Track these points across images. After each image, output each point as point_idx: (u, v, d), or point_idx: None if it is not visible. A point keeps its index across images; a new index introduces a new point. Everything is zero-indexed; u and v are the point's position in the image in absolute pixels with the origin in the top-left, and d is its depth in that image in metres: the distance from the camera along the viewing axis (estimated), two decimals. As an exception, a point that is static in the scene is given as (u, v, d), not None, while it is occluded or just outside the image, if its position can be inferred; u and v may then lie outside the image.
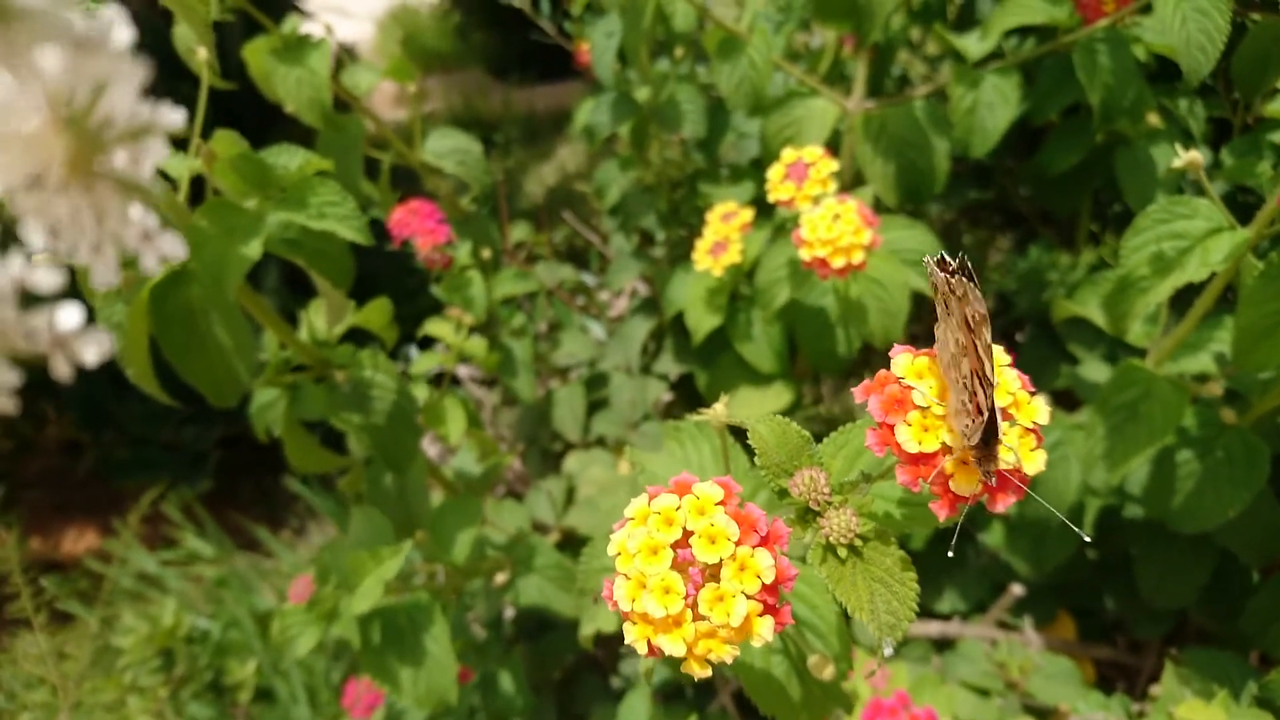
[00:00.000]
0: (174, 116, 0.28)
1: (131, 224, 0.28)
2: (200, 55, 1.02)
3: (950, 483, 0.48)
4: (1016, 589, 1.36)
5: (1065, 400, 1.57)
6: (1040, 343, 1.68)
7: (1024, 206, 1.95)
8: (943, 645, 1.43)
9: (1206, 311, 1.12)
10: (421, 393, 1.39)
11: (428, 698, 1.03)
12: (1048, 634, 1.43)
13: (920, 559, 1.51)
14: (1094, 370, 1.37)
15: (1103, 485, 1.19)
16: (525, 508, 1.53)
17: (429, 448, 1.90)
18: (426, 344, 1.79)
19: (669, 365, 1.75)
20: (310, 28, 1.43)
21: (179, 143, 0.95)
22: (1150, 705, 1.24)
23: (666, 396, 1.74)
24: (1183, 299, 1.16)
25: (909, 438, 0.49)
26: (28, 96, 0.25)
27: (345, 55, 1.57)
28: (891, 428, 0.50)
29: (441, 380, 1.47)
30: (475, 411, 1.55)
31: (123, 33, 0.27)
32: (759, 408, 1.54)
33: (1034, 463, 0.49)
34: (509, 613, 1.68)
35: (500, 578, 1.26)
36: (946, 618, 1.48)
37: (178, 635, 1.89)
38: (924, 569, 1.52)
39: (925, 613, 1.51)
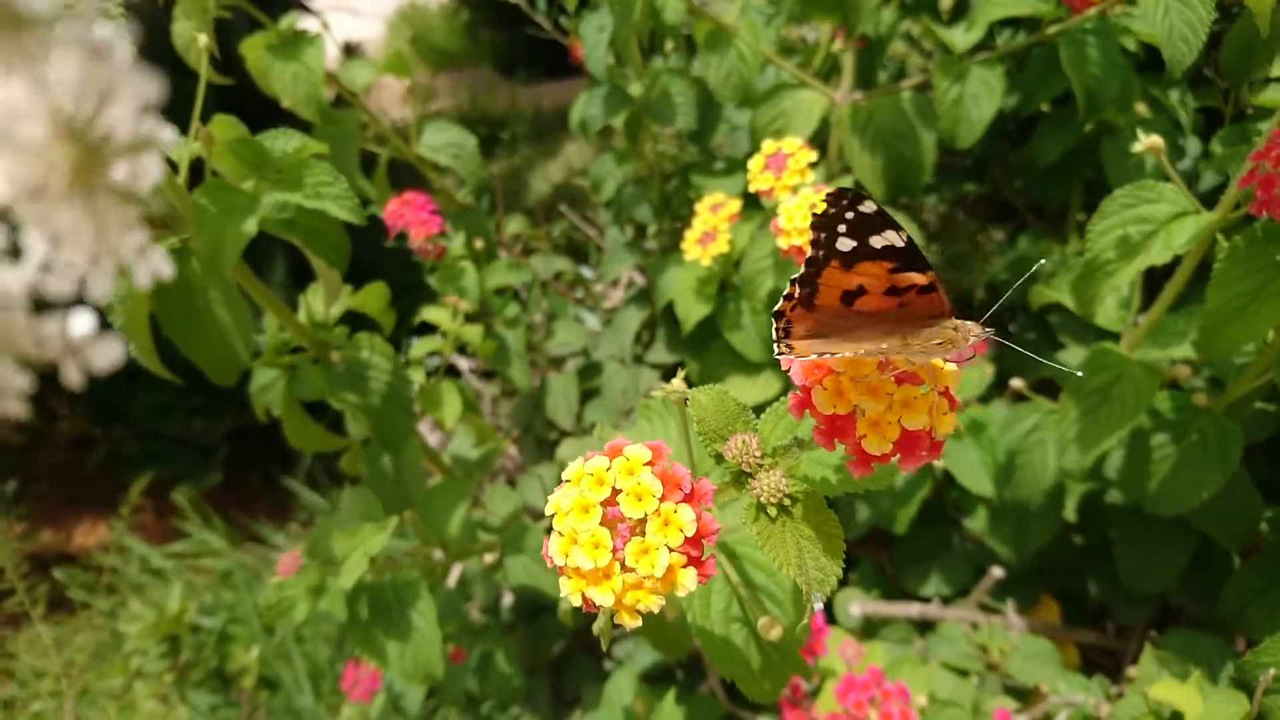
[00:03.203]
0: (168, 134, 0.28)
1: (129, 237, 0.28)
2: (200, 42, 1.06)
3: (863, 443, 0.51)
4: (996, 572, 1.38)
5: (1050, 390, 1.58)
6: (1030, 332, 1.69)
7: (1016, 198, 1.96)
8: (926, 628, 1.45)
9: (1177, 295, 1.13)
10: (419, 378, 1.42)
11: (415, 672, 1.06)
12: (1031, 618, 1.45)
13: (905, 544, 1.54)
14: (1073, 356, 1.39)
15: (1076, 467, 1.20)
16: (518, 493, 1.56)
17: (429, 435, 1.93)
18: (425, 332, 1.82)
19: (661, 354, 1.77)
20: (308, 24, 1.45)
21: (181, 127, 0.99)
22: (1128, 687, 1.25)
23: (658, 385, 1.76)
24: (1162, 286, 1.18)
25: (824, 400, 0.51)
26: (36, 104, 0.25)
27: (353, 53, 1.60)
28: (810, 391, 0.53)
29: (437, 370, 1.50)
30: (473, 398, 1.58)
31: (125, 46, 0.27)
32: (748, 396, 1.56)
33: (946, 426, 0.51)
34: (507, 599, 1.71)
35: (489, 558, 1.29)
36: (928, 600, 1.50)
37: (183, 621, 1.93)
38: (908, 554, 1.55)
39: (909, 596, 1.53)
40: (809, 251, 0.54)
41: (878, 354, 0.51)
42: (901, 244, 0.54)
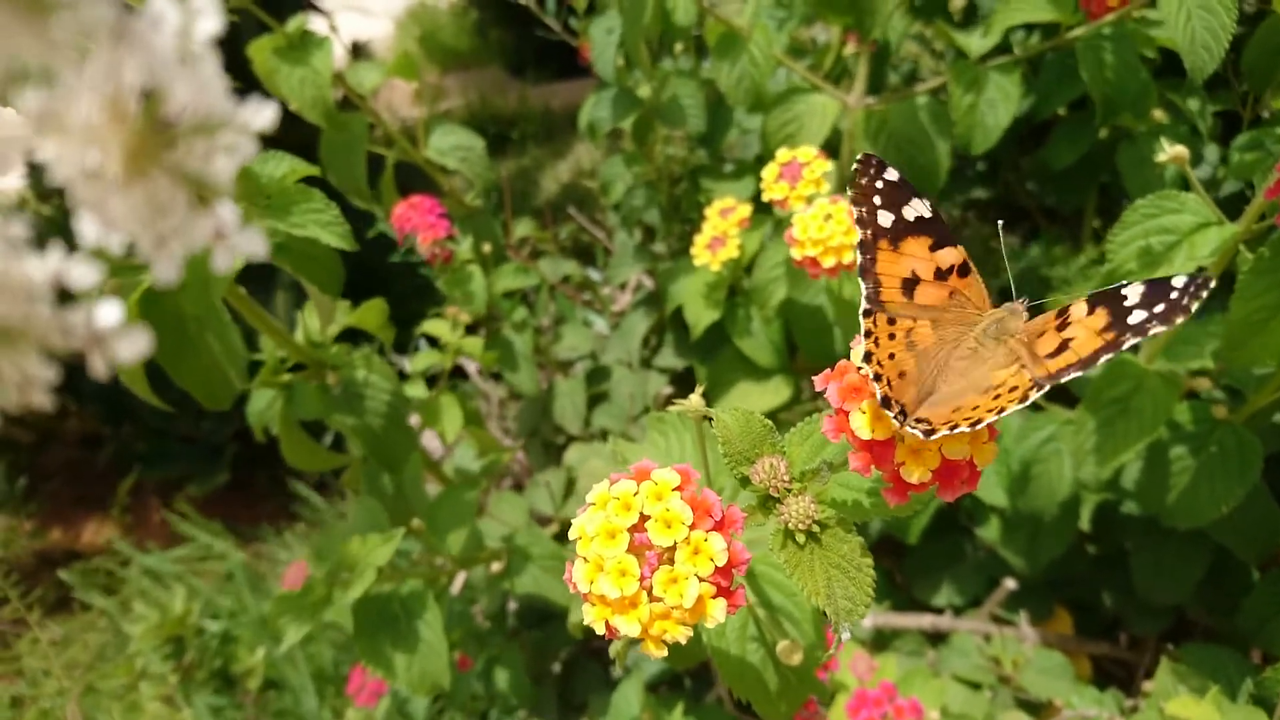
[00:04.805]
0: (264, 115, 0.27)
1: (204, 220, 0.27)
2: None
3: (901, 470, 0.49)
4: (1009, 583, 1.36)
5: (1065, 398, 1.56)
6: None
7: (1029, 202, 1.94)
8: (938, 640, 1.44)
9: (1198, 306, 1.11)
10: (419, 391, 1.41)
11: (421, 683, 1.05)
12: (1045, 629, 1.43)
13: (916, 553, 1.52)
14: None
15: (1093, 480, 1.19)
16: (524, 499, 1.55)
17: (429, 443, 1.92)
18: (431, 341, 1.81)
19: (670, 359, 1.76)
20: (317, 24, 1.44)
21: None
22: (1144, 701, 1.24)
23: (667, 390, 1.75)
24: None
25: (862, 425, 0.50)
26: (78, 85, 0.24)
27: (361, 53, 1.59)
28: (848, 415, 0.51)
29: (439, 379, 1.49)
30: (474, 409, 1.57)
31: (207, 23, 0.26)
32: (758, 402, 1.55)
33: (988, 455, 0.50)
34: (513, 605, 1.70)
35: (496, 566, 1.27)
36: (940, 611, 1.48)
37: (187, 623, 1.92)
38: (920, 563, 1.53)
39: (920, 606, 1.51)
40: (854, 238, 0.57)
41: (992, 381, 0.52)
42: (929, 214, 0.56)
